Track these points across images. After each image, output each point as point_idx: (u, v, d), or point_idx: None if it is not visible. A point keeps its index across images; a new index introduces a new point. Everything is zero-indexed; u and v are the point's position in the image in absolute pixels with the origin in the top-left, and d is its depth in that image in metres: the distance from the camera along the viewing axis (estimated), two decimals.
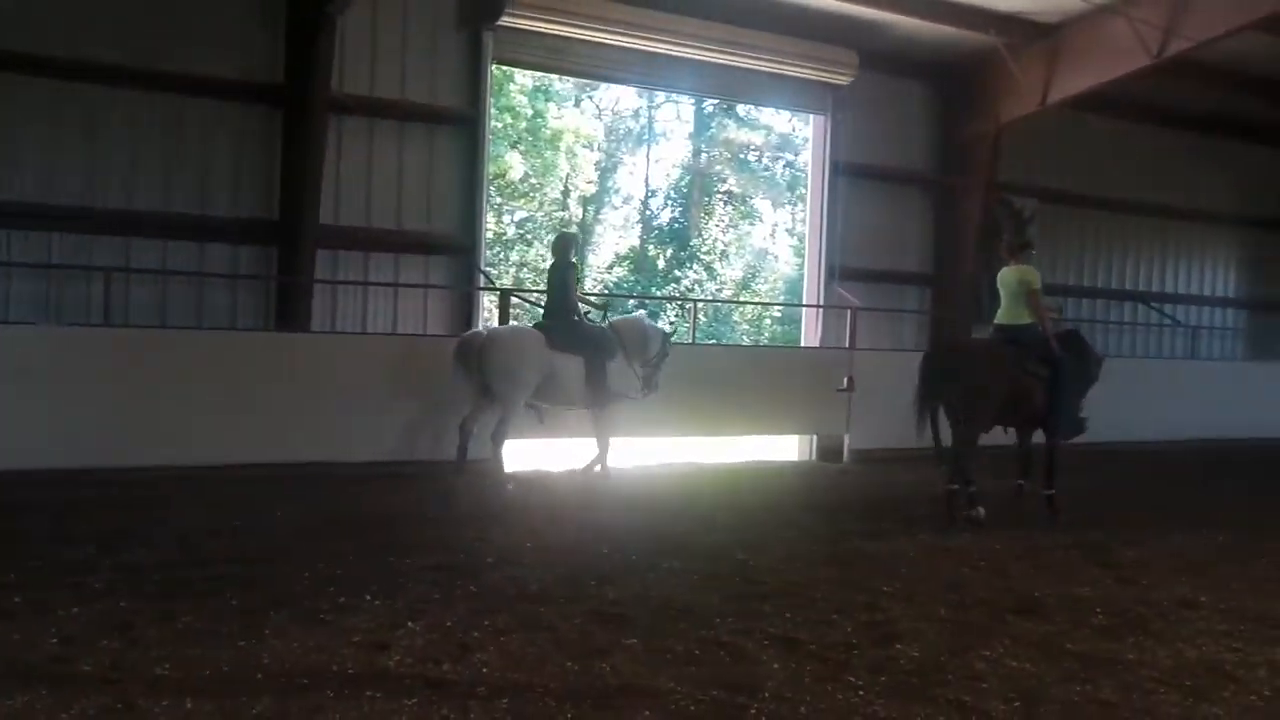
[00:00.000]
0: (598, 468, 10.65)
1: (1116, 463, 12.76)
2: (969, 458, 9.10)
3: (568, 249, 10.37)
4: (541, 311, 10.48)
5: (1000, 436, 9.60)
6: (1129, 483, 11.83)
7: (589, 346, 10.05)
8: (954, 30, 13.70)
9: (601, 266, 28.07)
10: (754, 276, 29.43)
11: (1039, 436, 9.68)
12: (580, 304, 10.39)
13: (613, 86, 24.95)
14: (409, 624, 5.52)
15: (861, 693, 4.79)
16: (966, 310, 15.44)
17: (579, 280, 10.88)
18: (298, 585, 6.22)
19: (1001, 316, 9.62)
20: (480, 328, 10.85)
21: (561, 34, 12.55)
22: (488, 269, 13.71)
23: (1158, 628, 6.04)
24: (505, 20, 12.05)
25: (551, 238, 10.81)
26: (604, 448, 10.65)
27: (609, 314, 11.00)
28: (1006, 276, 9.58)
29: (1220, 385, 16.55)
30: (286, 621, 5.48)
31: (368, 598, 5.98)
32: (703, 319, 25.76)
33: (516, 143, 25.61)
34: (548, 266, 10.64)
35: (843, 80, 14.36)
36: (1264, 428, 16.51)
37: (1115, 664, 5.34)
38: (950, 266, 15.73)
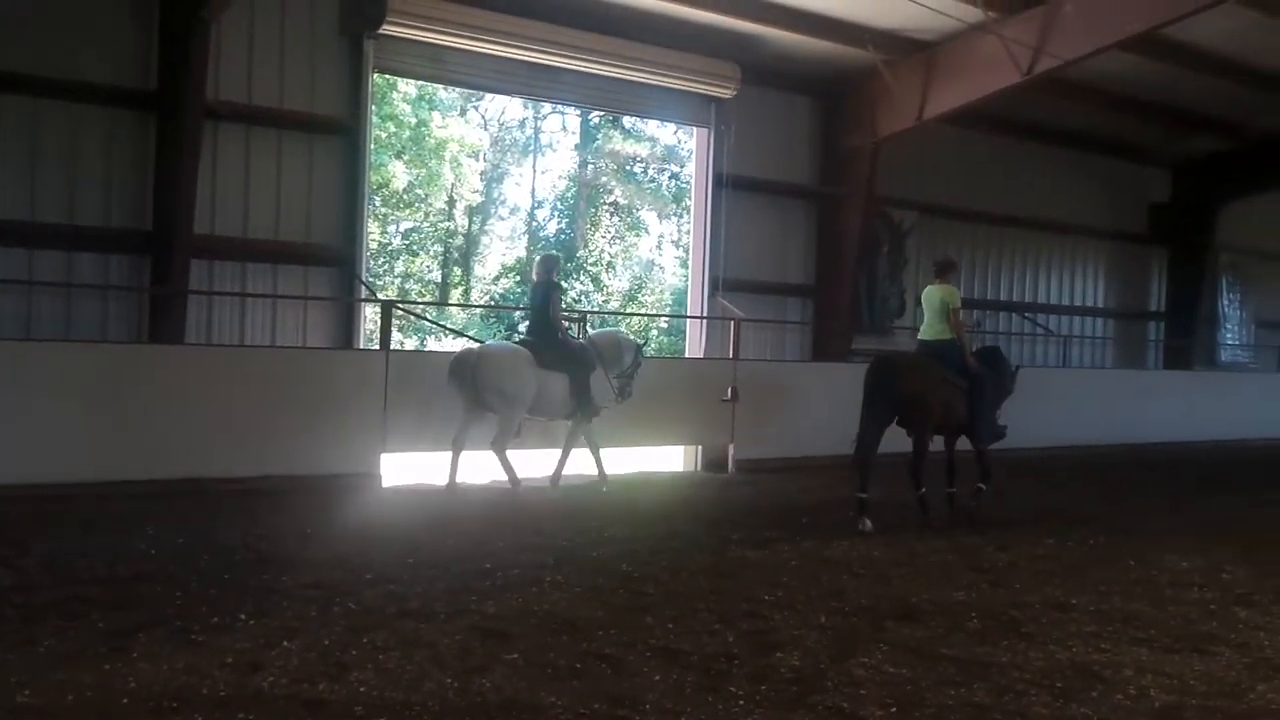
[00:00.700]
0: (571, 477, 11.10)
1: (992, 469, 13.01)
2: (920, 459, 9.62)
3: (550, 269, 10.82)
4: (525, 330, 10.86)
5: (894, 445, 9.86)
6: (1003, 488, 12.07)
7: (573, 364, 10.43)
8: (833, 45, 13.96)
9: (488, 278, 27.93)
10: (640, 288, 29.54)
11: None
12: (564, 322, 10.78)
13: (498, 97, 24.83)
14: (284, 643, 5.37)
15: (742, 702, 4.81)
16: (847, 321, 15.73)
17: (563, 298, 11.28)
18: (169, 606, 6.02)
19: (925, 332, 10.17)
20: (472, 345, 11.08)
21: (444, 44, 12.43)
22: (369, 280, 13.52)
23: (1030, 630, 6.19)
24: (386, 29, 11.90)
25: (536, 258, 11.14)
26: (590, 459, 11.12)
27: (586, 328, 11.20)
28: (931, 295, 10.10)
29: (1091, 392, 17.12)
30: (156, 643, 5.30)
31: (242, 617, 5.82)
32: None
33: (400, 152, 25.27)
34: (529, 286, 10.84)
35: (725, 93, 14.50)
36: (1133, 433, 17.14)
37: (989, 667, 5.44)
38: (831, 278, 15.98)
